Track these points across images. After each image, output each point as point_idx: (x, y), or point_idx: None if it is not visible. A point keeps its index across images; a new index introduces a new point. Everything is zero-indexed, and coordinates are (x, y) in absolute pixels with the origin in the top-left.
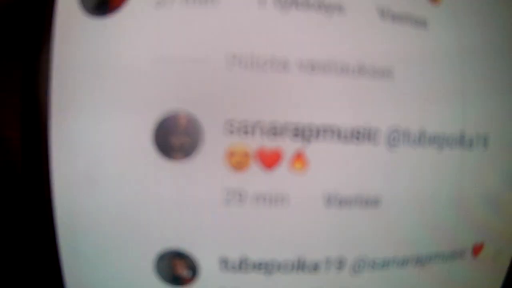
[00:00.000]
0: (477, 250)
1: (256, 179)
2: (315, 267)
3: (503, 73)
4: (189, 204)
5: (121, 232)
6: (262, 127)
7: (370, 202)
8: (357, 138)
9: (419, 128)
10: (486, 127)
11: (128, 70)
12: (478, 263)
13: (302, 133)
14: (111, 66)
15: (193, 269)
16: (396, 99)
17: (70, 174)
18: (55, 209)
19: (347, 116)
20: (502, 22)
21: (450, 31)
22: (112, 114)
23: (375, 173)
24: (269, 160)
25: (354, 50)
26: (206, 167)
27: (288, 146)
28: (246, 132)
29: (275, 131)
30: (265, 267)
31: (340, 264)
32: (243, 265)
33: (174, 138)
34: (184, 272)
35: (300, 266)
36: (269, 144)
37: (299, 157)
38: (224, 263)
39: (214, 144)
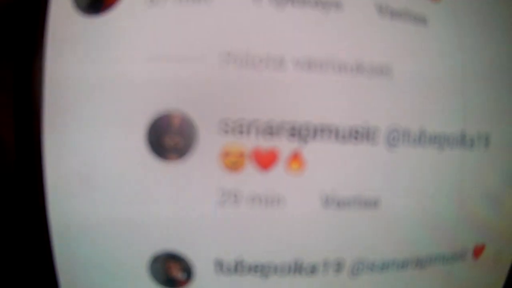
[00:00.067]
0: (478, 251)
1: (251, 179)
2: (313, 270)
3: (504, 71)
4: (183, 206)
5: (114, 234)
6: (258, 126)
7: (369, 203)
8: (356, 138)
9: (419, 128)
10: (488, 126)
11: (120, 69)
12: (479, 264)
13: (299, 132)
14: (104, 65)
15: (188, 271)
16: (395, 98)
17: (63, 176)
18: (48, 211)
19: (345, 115)
20: (503, 19)
21: (451, 28)
22: (104, 114)
23: (374, 174)
24: (265, 160)
25: (352, 48)
26: (201, 167)
27: (284, 146)
28: (241, 132)
29: (271, 130)
30: (261, 269)
31: (338, 266)
32: (238, 267)
33: (167, 138)
34: (178, 274)
35: (297, 269)
36: (265, 144)
37: (295, 157)
38: (219, 266)
39: (208, 144)
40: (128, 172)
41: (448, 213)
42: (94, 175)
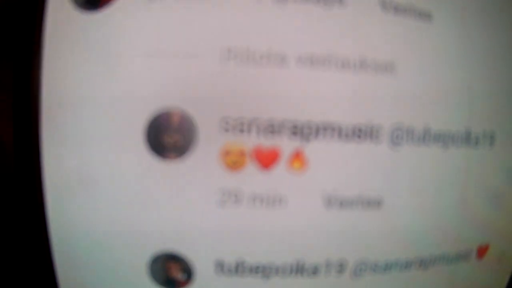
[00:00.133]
0: (482, 251)
1: (252, 179)
2: (315, 271)
3: (510, 68)
4: (183, 205)
5: (113, 234)
6: (259, 125)
7: (372, 203)
8: (359, 137)
9: (424, 126)
10: (493, 124)
11: (119, 65)
12: (483, 264)
13: (301, 131)
14: (102, 61)
15: (188, 272)
16: (399, 96)
17: (62, 176)
18: (47, 212)
19: (348, 114)
20: (509, 14)
21: (456, 24)
22: (103, 111)
23: (377, 173)
24: (266, 159)
25: (355, 44)
26: (201, 166)
27: (286, 144)
28: (242, 130)
29: (272, 129)
30: (263, 270)
31: (341, 267)
32: (239, 268)
33: (166, 137)
34: (178, 275)
35: (299, 269)
36: (266, 142)
37: (297, 156)
38: (220, 266)
39: (208, 143)
40: (127, 172)
41: (452, 213)
42: (93, 175)
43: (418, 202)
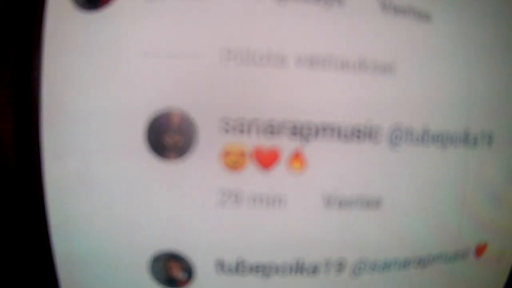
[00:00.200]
0: (480, 250)
1: (252, 179)
2: (314, 270)
3: (509, 68)
4: (184, 205)
5: (114, 234)
6: (259, 125)
7: (371, 203)
8: (358, 137)
9: (423, 126)
10: (491, 124)
11: (119, 65)
12: (481, 263)
13: (301, 131)
14: (102, 61)
15: (189, 271)
16: (398, 96)
17: (62, 175)
18: (48, 211)
19: (347, 114)
20: (508, 15)
21: (455, 25)
22: (103, 111)
23: (376, 173)
24: (266, 159)
25: (355, 44)
26: (201, 167)
27: (286, 145)
28: (242, 131)
29: (272, 129)
30: (263, 270)
31: (340, 266)
32: (239, 267)
33: (167, 137)
34: (179, 274)
35: (298, 268)
36: (266, 143)
37: (297, 156)
38: (220, 266)
39: (208, 143)
40: (128, 172)
41: (450, 212)
42: (94, 175)
43: (416, 201)
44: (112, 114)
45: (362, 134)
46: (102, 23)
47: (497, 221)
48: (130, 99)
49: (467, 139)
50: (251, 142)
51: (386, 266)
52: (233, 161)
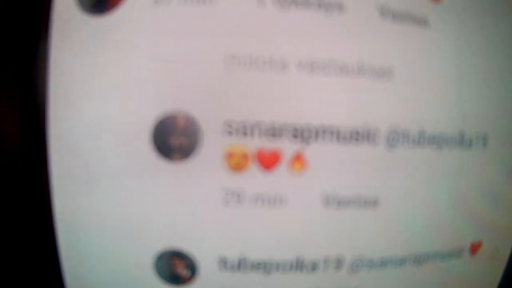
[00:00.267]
0: (475, 248)
1: (255, 180)
2: (314, 267)
3: (503, 72)
4: (188, 205)
5: (120, 232)
6: (261, 128)
7: (368, 203)
8: (356, 139)
9: (419, 128)
10: (486, 126)
11: (126, 69)
12: (476, 261)
13: (301, 134)
14: (109, 65)
15: (192, 268)
16: (395, 99)
17: (69, 174)
18: (54, 210)
19: (346, 117)
20: (504, 21)
21: (451, 30)
22: (110, 114)
23: (373, 174)
24: (268, 161)
25: (354, 50)
26: (205, 168)
27: (287, 147)
28: (245, 133)
29: (274, 132)
30: (264, 267)
31: (338, 263)
32: (242, 265)
33: (172, 139)
34: (183, 271)
35: (298, 265)
36: (268, 145)
37: (298, 158)
38: (223, 263)
39: (212, 145)
40: (134, 172)
41: (446, 211)
42: (101, 175)
43: (412, 201)
44: (119, 116)
45: (360, 136)
46: (108, 28)
47: (492, 219)
48: (137, 102)
49: (462, 141)
50: (253, 144)
51: (383, 263)
52: (236, 163)
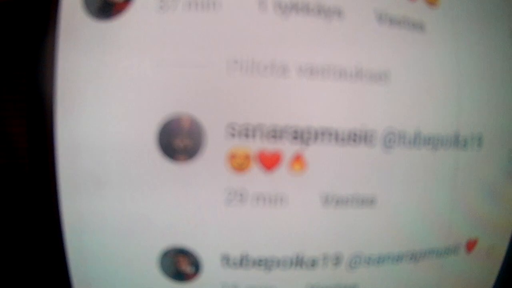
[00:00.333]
0: (471, 245)
1: (256, 180)
2: (313, 263)
3: (497, 73)
4: (192, 204)
5: (126, 231)
6: (263, 130)
7: (366, 202)
8: (354, 140)
9: (415, 130)
10: (481, 127)
11: (132, 73)
12: (472, 258)
13: (301, 136)
14: (116, 69)
15: (196, 265)
16: (392, 102)
17: (77, 175)
18: (62, 209)
19: (344, 119)
20: (499, 25)
21: (447, 34)
22: (117, 116)
23: (371, 174)
24: (269, 162)
25: (352, 55)
26: (209, 168)
27: (287, 148)
28: (247, 135)
29: (275, 134)
30: (265, 263)
31: (337, 260)
32: (243, 261)
33: (177, 141)
34: (187, 268)
35: (298, 262)
36: (269, 146)
37: (298, 159)
38: (226, 260)
39: (216, 147)
40: (140, 172)
41: (441, 210)
42: (108, 176)
43: (409, 200)
44: (126, 119)
45: (358, 137)
46: (115, 32)
47: (487, 217)
48: (143, 105)
49: (457, 141)
50: (255, 145)
51: (380, 260)
52: (239, 163)
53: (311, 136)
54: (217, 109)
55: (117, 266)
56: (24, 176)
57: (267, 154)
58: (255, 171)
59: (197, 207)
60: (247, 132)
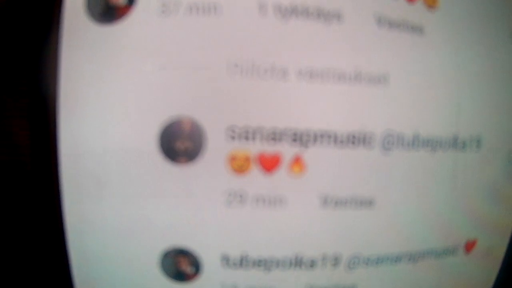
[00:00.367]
0: (469, 246)
1: (256, 181)
2: (312, 264)
3: (496, 76)
4: (193, 205)
5: (128, 231)
6: (262, 133)
7: (364, 203)
8: (353, 143)
9: (413, 132)
10: (480, 129)
11: (134, 76)
12: (470, 258)
13: (300, 138)
14: (118, 72)
15: (196, 265)
16: (391, 105)
17: (79, 176)
18: (64, 210)
19: (343, 122)
20: (498, 27)
21: (446, 37)
22: (119, 118)
23: (369, 176)
24: (269, 164)
25: (351, 58)
26: (209, 170)
27: (287, 150)
28: (247, 138)
29: (274, 136)
30: (264, 264)
31: (336, 261)
32: (243, 262)
33: (178, 143)
34: (188, 268)
35: (297, 263)
36: (269, 149)
37: (297, 161)
38: (226, 260)
39: (216, 149)
40: (142, 174)
41: (440, 210)
42: (110, 178)
43: (407, 201)
44: (127, 121)
45: (356, 140)
46: (118, 35)
47: (486, 218)
48: (145, 108)
49: (456, 143)
50: (255, 148)
51: (379, 261)
52: (239, 165)
53: (310, 139)
54: (217, 112)
55: (119, 266)
56: (26, 175)
57: (267, 156)
58: (255, 173)
59: (197, 208)
60: (247, 134)
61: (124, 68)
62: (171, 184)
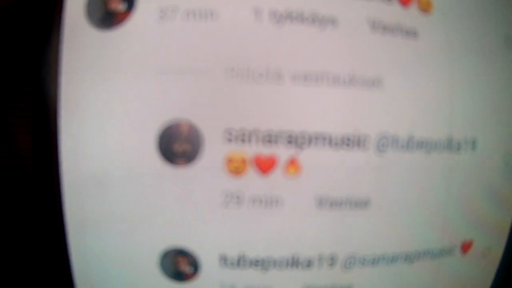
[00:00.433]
0: (466, 247)
1: (252, 183)
2: (308, 264)
3: (490, 78)
4: (191, 206)
5: (127, 232)
6: (258, 135)
7: (360, 204)
8: (347, 145)
9: (408, 134)
10: (474, 131)
11: (133, 80)
12: (467, 259)
13: (296, 140)
14: (117, 76)
15: (195, 265)
16: (385, 107)
17: (79, 178)
18: (65, 210)
19: (337, 124)
20: (492, 31)
21: (440, 40)
22: (118, 122)
23: (364, 177)
24: (265, 165)
25: (345, 62)
26: (207, 172)
27: (282, 152)
28: (243, 140)
29: (270, 139)
30: (262, 264)
31: (332, 261)
32: (241, 262)
33: (176, 145)
34: (186, 268)
35: (294, 263)
36: (265, 151)
37: (292, 162)
38: (224, 260)
39: (213, 151)
40: (140, 176)
41: (436, 211)
42: (109, 178)
43: (402, 202)
44: (126, 124)
45: (351, 142)
46: (117, 41)
47: (482, 219)
48: (144, 111)
49: (450, 145)
50: (251, 150)
51: (375, 261)
52: (236, 167)
53: (305, 141)
54: (214, 115)
55: (118, 266)
56: (27, 177)
57: (263, 158)
58: (251, 174)
59: (195, 209)
60: (244, 137)
61: (124, 72)
62: (169, 186)
